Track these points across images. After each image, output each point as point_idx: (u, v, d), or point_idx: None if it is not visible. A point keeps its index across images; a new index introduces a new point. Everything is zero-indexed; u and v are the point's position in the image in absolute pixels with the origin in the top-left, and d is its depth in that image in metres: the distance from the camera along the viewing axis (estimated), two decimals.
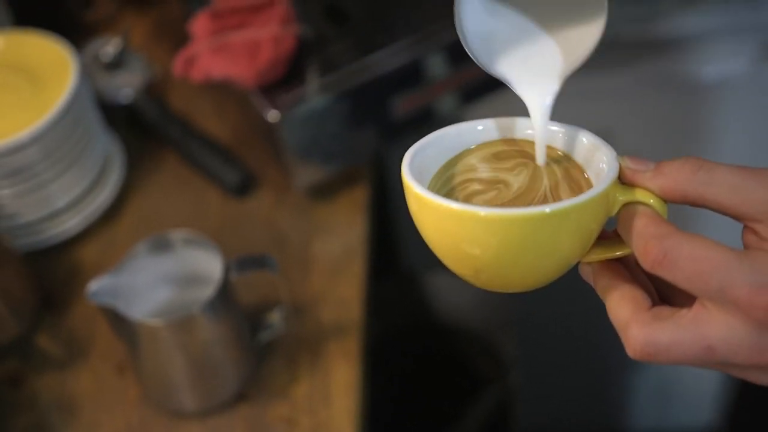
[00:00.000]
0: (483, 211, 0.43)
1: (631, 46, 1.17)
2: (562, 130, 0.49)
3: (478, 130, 0.50)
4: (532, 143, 0.49)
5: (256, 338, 0.82)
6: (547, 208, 0.43)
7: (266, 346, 0.84)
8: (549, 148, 0.49)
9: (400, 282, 1.27)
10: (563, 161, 0.49)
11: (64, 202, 0.91)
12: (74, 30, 1.05)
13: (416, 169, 0.47)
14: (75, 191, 0.92)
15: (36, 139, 0.86)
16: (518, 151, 0.50)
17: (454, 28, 0.94)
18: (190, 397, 0.80)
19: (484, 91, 0.98)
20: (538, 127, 0.48)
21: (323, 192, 0.96)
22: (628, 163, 0.45)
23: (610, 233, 0.47)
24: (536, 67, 0.49)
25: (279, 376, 0.83)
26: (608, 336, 1.43)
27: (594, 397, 1.52)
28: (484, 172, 0.49)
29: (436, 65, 0.93)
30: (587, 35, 0.48)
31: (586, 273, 0.48)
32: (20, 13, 1.03)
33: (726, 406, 1.46)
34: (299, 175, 0.93)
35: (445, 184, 0.48)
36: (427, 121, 0.96)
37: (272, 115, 0.88)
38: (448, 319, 1.27)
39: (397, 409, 1.24)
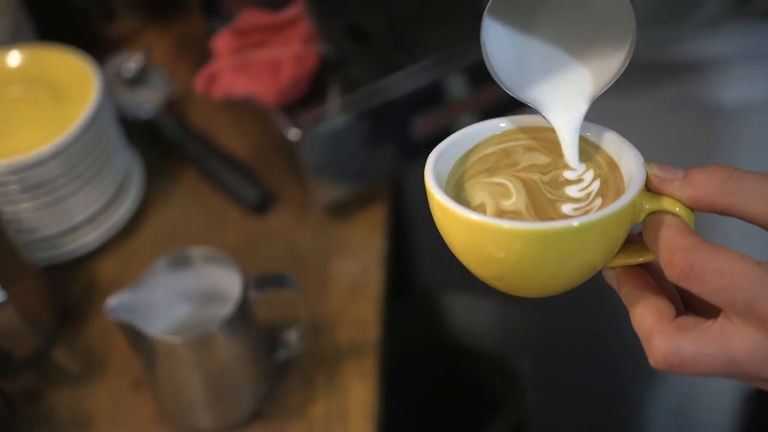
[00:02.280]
0: (506, 225, 0.43)
1: (652, 70, 1.17)
2: (592, 128, 0.49)
3: (496, 126, 0.50)
4: (547, 129, 0.49)
5: (273, 357, 0.82)
6: (574, 222, 0.43)
7: (283, 364, 0.84)
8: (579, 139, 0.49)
9: (417, 302, 1.26)
10: (593, 158, 0.48)
11: (84, 217, 0.91)
12: (97, 45, 1.05)
13: (438, 172, 0.47)
14: (94, 206, 0.92)
15: (57, 154, 0.86)
16: (533, 136, 0.50)
17: (475, 49, 0.94)
18: (207, 415, 0.80)
19: (503, 113, 0.98)
20: (568, 152, 0.48)
21: (342, 210, 0.96)
22: (656, 171, 0.45)
23: (635, 236, 0.47)
24: (563, 91, 0.49)
25: (296, 395, 0.82)
26: (624, 358, 1.42)
27: (610, 419, 1.51)
28: (498, 154, 0.49)
29: (457, 86, 0.93)
30: (613, 58, 0.48)
31: (610, 277, 0.48)
32: (44, 29, 1.04)
33: (744, 426, 1.45)
34: (318, 193, 0.93)
35: (460, 168, 0.49)
36: None
37: (293, 134, 0.88)
38: (464, 340, 1.26)
39: (413, 429, 1.24)
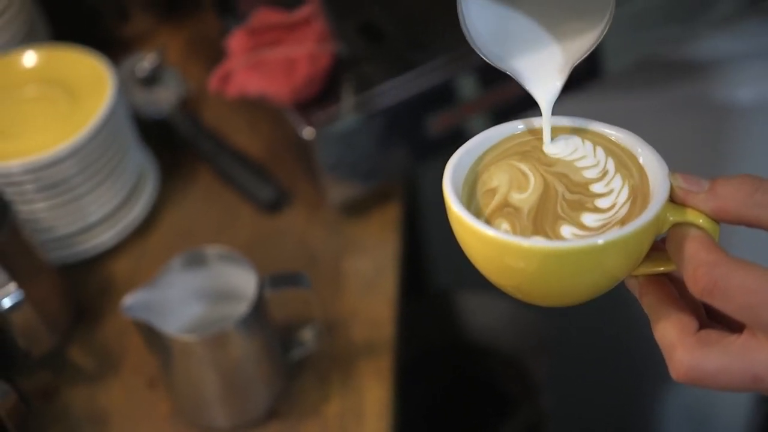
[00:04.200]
0: (526, 243, 0.43)
1: (664, 68, 1.17)
2: (621, 135, 0.48)
3: (509, 128, 0.50)
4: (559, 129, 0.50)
5: (287, 355, 0.82)
6: (599, 240, 0.42)
7: (298, 363, 0.84)
8: (603, 141, 0.49)
9: (431, 301, 1.26)
10: (624, 164, 0.48)
11: (98, 216, 0.92)
12: (111, 45, 1.06)
13: (455, 180, 0.47)
14: (109, 205, 0.92)
15: (73, 153, 0.86)
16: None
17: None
18: (221, 413, 0.80)
19: (516, 112, 0.98)
20: (545, 120, 0.48)
21: (355, 209, 0.96)
22: (681, 183, 0.44)
23: (658, 244, 0.46)
24: (542, 63, 0.49)
25: (310, 394, 0.82)
26: (639, 358, 1.41)
27: (625, 420, 1.51)
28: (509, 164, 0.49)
29: (470, 85, 0.93)
30: (590, 29, 0.48)
31: (632, 286, 0.47)
32: (58, 29, 1.05)
33: (760, 427, 1.44)
34: (332, 192, 0.93)
35: (472, 174, 0.48)
36: (460, 141, 0.96)
37: (307, 132, 0.88)
38: (478, 340, 1.26)
39: (427, 429, 1.24)
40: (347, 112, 0.89)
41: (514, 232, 0.45)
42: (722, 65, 1.18)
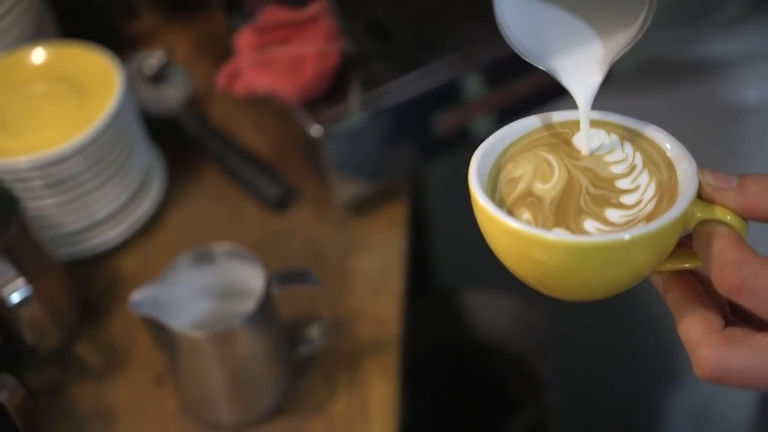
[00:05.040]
0: (550, 236, 0.43)
1: (671, 69, 1.17)
2: (650, 130, 0.48)
3: (536, 120, 0.50)
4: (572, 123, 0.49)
5: (294, 353, 0.82)
6: (625, 235, 0.42)
7: (304, 360, 0.84)
8: (632, 136, 0.48)
9: (437, 299, 1.26)
10: (653, 159, 0.47)
11: (106, 213, 0.92)
12: (119, 43, 1.06)
13: (481, 171, 0.47)
14: (116, 202, 0.92)
15: (80, 150, 0.87)
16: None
17: (497, 47, 0.94)
18: (228, 410, 0.80)
19: (523, 111, 0.98)
20: (583, 117, 0.48)
21: (362, 207, 0.96)
22: (709, 180, 0.44)
23: (684, 240, 0.46)
24: (579, 58, 0.49)
25: (317, 392, 0.83)
26: (645, 358, 1.41)
27: (629, 420, 1.50)
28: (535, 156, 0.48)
29: (478, 83, 0.93)
30: (630, 21, 0.47)
31: (656, 282, 0.47)
32: (66, 26, 1.05)
33: (766, 428, 1.44)
34: (339, 190, 0.93)
35: (497, 166, 0.48)
36: (466, 139, 0.96)
37: (315, 130, 0.89)
38: (484, 338, 1.26)
39: (433, 427, 1.24)
40: (355, 111, 0.89)
41: (536, 222, 0.45)
42: (728, 66, 1.18)
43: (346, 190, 0.93)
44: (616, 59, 0.47)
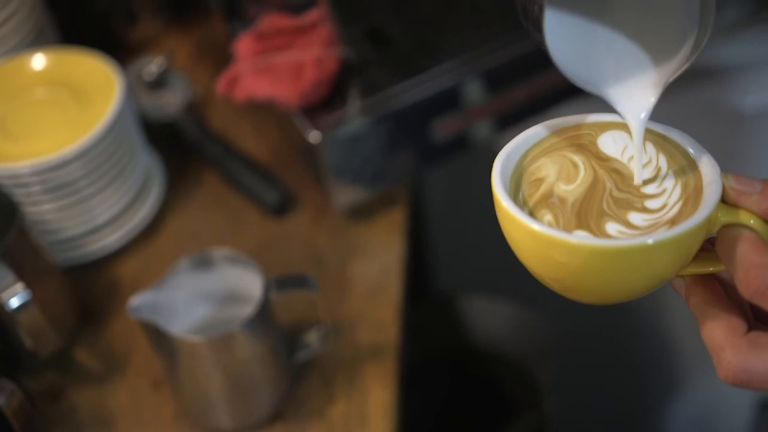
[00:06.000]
0: (573, 240, 0.43)
1: None
2: (674, 134, 0.48)
3: (561, 122, 0.50)
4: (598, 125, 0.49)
5: (293, 358, 0.83)
6: (649, 240, 0.42)
7: (303, 365, 0.84)
8: (656, 139, 0.48)
9: (436, 305, 1.27)
10: (678, 162, 0.47)
11: (105, 218, 0.92)
12: (119, 49, 1.06)
13: (504, 172, 0.47)
14: (116, 208, 0.93)
15: (80, 156, 0.87)
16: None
17: (495, 53, 0.94)
18: (226, 415, 0.80)
19: (522, 118, 0.99)
20: (636, 143, 0.47)
21: (361, 213, 0.96)
22: (733, 183, 0.44)
23: (706, 244, 0.46)
24: (631, 81, 0.48)
25: (315, 397, 0.83)
26: (645, 364, 1.41)
27: (629, 426, 1.50)
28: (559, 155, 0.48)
29: (476, 90, 0.93)
30: (681, 43, 0.47)
31: (678, 286, 0.47)
32: (67, 32, 1.05)
33: None
34: (338, 195, 0.94)
35: (519, 167, 0.48)
36: (466, 146, 0.96)
37: (314, 136, 0.89)
38: (483, 344, 1.26)
39: None
40: (354, 117, 0.89)
41: (557, 223, 0.45)
42: (728, 73, 1.18)
43: (345, 195, 0.94)
44: (670, 81, 0.46)
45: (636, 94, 0.47)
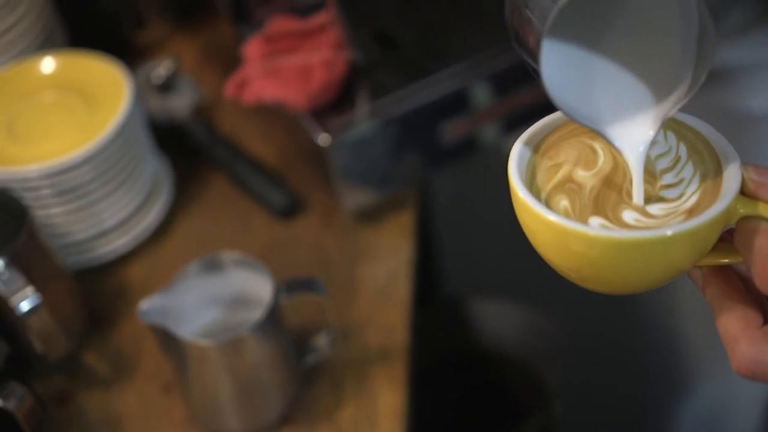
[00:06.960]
0: (591, 232, 0.42)
1: None
2: (694, 122, 0.47)
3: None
4: None
5: (301, 361, 0.83)
6: (668, 231, 0.41)
7: (311, 369, 0.84)
8: (677, 128, 0.47)
9: (444, 308, 1.27)
10: (699, 152, 0.47)
11: (114, 222, 0.92)
12: (127, 52, 1.06)
13: (520, 161, 0.46)
14: (125, 211, 0.93)
15: (89, 159, 0.87)
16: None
17: (504, 56, 0.94)
18: (236, 418, 0.80)
19: (530, 120, 0.99)
20: (635, 174, 0.46)
21: (369, 216, 0.96)
22: (752, 175, 0.44)
23: (724, 234, 0.45)
24: (628, 114, 0.47)
25: (324, 400, 0.83)
26: (653, 367, 1.40)
27: (637, 429, 1.50)
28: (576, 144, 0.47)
29: (485, 92, 0.93)
30: (681, 76, 0.46)
31: (695, 276, 0.47)
32: (76, 35, 1.05)
33: None
34: (346, 198, 0.94)
35: (536, 154, 0.47)
36: (473, 148, 0.97)
37: (322, 139, 0.89)
38: (491, 347, 1.26)
39: None
40: (362, 119, 0.90)
41: (573, 210, 0.44)
42: (735, 75, 1.18)
43: (354, 198, 0.94)
44: (669, 115, 0.46)
45: (634, 130, 0.46)
